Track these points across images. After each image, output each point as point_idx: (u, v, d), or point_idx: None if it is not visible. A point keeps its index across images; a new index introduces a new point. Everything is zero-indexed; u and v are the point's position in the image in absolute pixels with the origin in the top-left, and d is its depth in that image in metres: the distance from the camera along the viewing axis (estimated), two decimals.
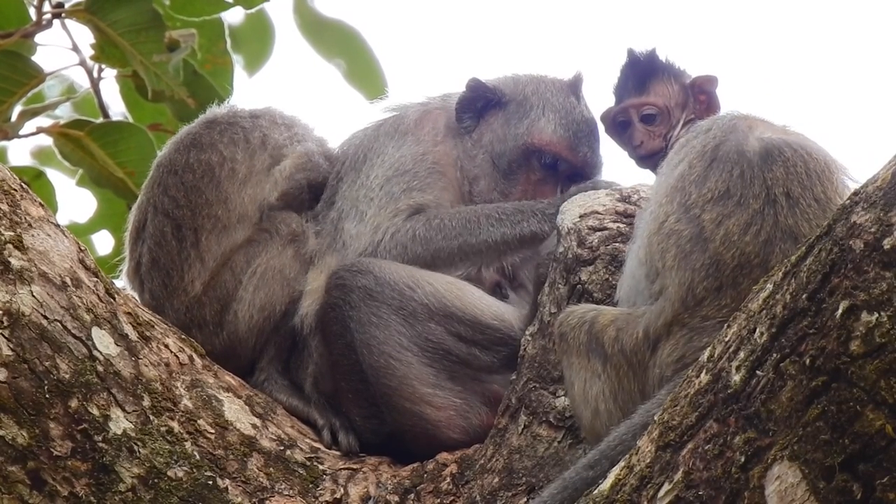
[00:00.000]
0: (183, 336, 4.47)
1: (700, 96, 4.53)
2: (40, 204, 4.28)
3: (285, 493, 4.24)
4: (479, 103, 4.97)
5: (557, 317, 4.05)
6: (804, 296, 3.23)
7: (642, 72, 4.62)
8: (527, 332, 4.38)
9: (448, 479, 4.32)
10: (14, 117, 5.99)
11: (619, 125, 4.62)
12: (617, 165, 4.95)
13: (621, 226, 4.28)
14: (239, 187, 4.81)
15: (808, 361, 3.18)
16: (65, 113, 6.67)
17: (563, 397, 4.18)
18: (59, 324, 4.12)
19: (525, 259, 4.84)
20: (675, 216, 3.84)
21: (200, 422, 4.26)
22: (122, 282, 4.85)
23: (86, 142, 5.95)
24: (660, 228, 3.85)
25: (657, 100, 4.60)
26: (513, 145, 4.91)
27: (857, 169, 3.93)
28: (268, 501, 4.21)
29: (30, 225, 4.19)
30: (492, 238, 4.70)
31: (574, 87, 5.01)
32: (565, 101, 4.97)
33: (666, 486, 3.38)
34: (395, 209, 4.72)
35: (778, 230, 3.75)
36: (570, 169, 4.90)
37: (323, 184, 4.93)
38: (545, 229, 4.68)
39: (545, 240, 4.68)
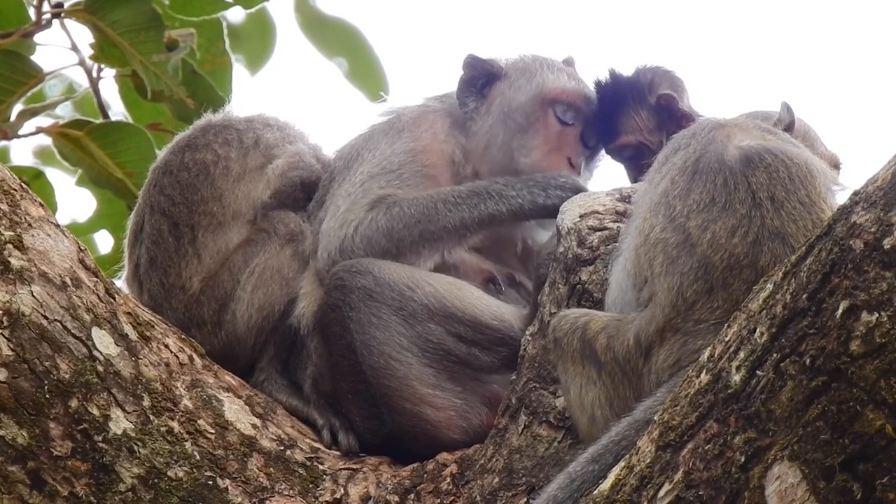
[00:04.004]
0: (183, 336, 4.48)
1: (672, 109, 4.55)
2: (40, 204, 4.28)
3: (285, 493, 4.25)
4: (481, 80, 4.95)
5: (553, 320, 4.05)
6: (804, 296, 3.23)
7: (609, 112, 4.65)
8: (527, 332, 4.38)
9: (448, 479, 4.32)
10: (13, 117, 5.99)
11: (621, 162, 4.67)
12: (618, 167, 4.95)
13: (621, 226, 4.28)
14: (233, 185, 4.84)
15: (808, 361, 3.18)
16: (66, 112, 6.68)
17: (563, 397, 4.18)
18: (59, 324, 4.12)
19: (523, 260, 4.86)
20: (661, 226, 3.84)
21: (200, 422, 4.26)
22: (121, 284, 4.86)
23: (85, 142, 5.95)
24: (645, 240, 3.85)
25: (629, 138, 4.65)
26: (527, 98, 4.89)
27: (856, 169, 3.95)
28: (268, 501, 4.21)
29: (30, 225, 4.19)
30: (451, 223, 4.67)
31: (568, 63, 5.03)
32: (566, 66, 4.99)
33: (666, 486, 3.38)
34: (362, 202, 4.71)
35: (765, 230, 3.75)
36: (583, 124, 4.88)
37: (316, 183, 4.94)
38: (502, 210, 4.67)
39: (504, 221, 4.67)
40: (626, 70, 4.90)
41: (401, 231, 4.64)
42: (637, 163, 4.65)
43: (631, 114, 4.70)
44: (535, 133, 4.86)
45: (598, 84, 4.87)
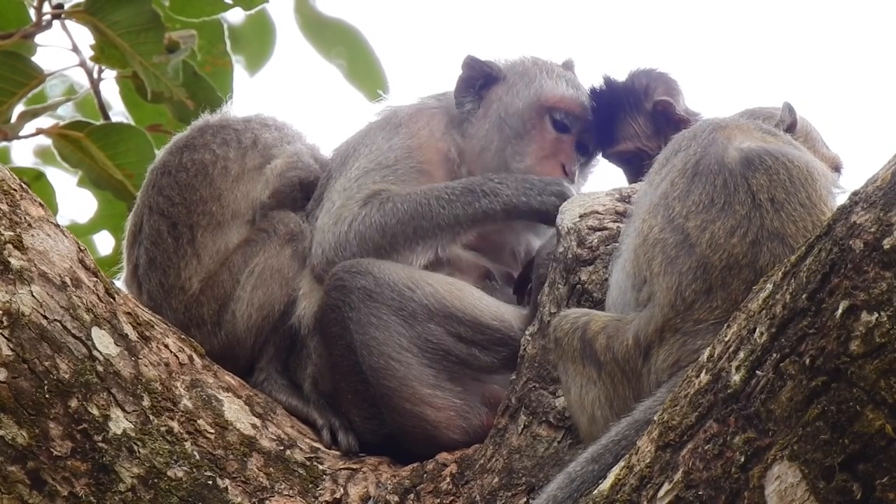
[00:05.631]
0: (183, 336, 4.48)
1: (669, 115, 4.54)
2: (40, 204, 4.28)
3: (285, 493, 4.24)
4: (479, 81, 4.95)
5: (553, 320, 4.05)
6: (804, 296, 3.23)
7: (606, 120, 4.64)
8: (527, 332, 4.38)
9: (448, 479, 4.32)
10: (14, 118, 5.99)
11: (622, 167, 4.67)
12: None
13: (621, 226, 4.28)
14: (232, 185, 4.84)
15: (807, 361, 3.19)
16: (67, 113, 6.68)
17: (562, 397, 4.18)
18: (58, 324, 4.12)
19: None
20: (659, 227, 3.84)
21: (200, 422, 4.26)
22: (120, 285, 4.86)
23: (85, 143, 5.95)
24: (644, 241, 3.85)
25: (628, 145, 4.65)
26: (524, 105, 4.88)
27: (856, 169, 3.95)
28: (268, 501, 4.21)
29: (30, 225, 4.19)
30: (444, 219, 4.67)
31: (567, 67, 5.02)
32: (565, 72, 4.98)
33: (666, 486, 3.38)
34: (357, 198, 4.71)
35: (764, 231, 3.75)
36: (580, 132, 4.88)
37: (315, 183, 4.94)
38: (496, 208, 4.67)
39: (498, 219, 4.68)
40: (621, 73, 4.90)
41: (394, 227, 4.64)
42: (636, 166, 4.64)
43: (628, 120, 4.70)
44: (531, 140, 4.85)
45: (593, 91, 4.87)
